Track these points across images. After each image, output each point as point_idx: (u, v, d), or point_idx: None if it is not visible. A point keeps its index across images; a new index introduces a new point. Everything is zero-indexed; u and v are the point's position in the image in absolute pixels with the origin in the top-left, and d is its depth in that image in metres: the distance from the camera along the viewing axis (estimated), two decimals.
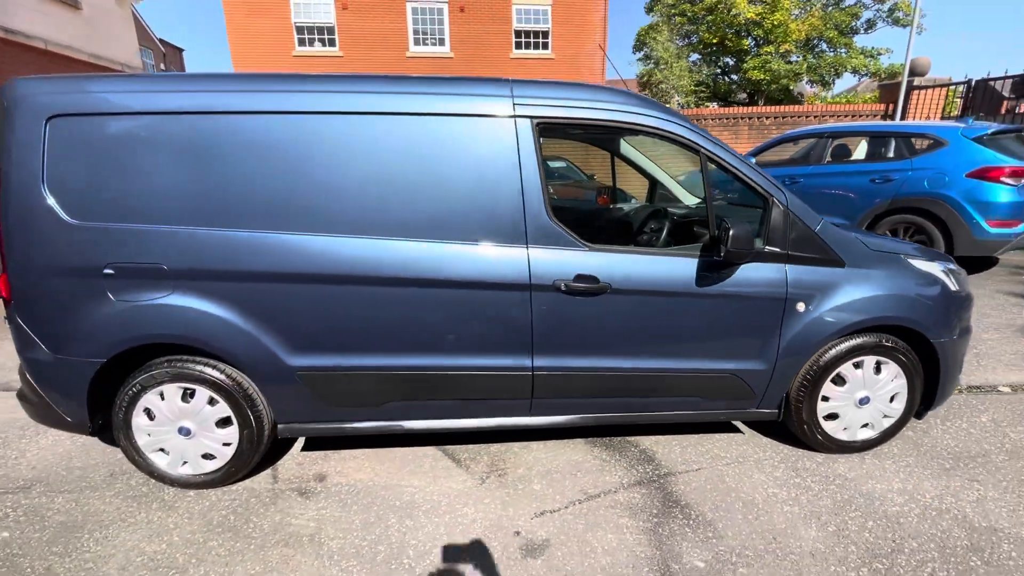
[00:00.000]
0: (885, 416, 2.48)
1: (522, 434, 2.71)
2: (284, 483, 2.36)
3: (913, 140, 5.67)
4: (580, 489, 2.30)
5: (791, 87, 28.12)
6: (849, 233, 2.44)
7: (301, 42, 15.97)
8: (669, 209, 3.16)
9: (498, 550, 1.94)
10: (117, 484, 2.34)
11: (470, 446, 2.64)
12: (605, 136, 3.44)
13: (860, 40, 29.26)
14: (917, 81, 10.56)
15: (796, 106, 14.51)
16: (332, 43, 16.16)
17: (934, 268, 2.46)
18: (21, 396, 2.28)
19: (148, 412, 2.19)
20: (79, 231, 1.99)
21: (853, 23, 29.16)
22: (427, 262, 2.09)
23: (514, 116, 2.10)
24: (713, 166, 2.25)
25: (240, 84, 2.04)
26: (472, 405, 2.32)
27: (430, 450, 2.60)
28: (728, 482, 2.34)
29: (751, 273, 2.23)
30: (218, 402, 2.19)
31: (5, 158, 1.96)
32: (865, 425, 2.49)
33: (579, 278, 2.13)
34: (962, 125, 5.49)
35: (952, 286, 2.46)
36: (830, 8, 28.98)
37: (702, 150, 2.22)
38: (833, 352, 2.34)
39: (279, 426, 2.29)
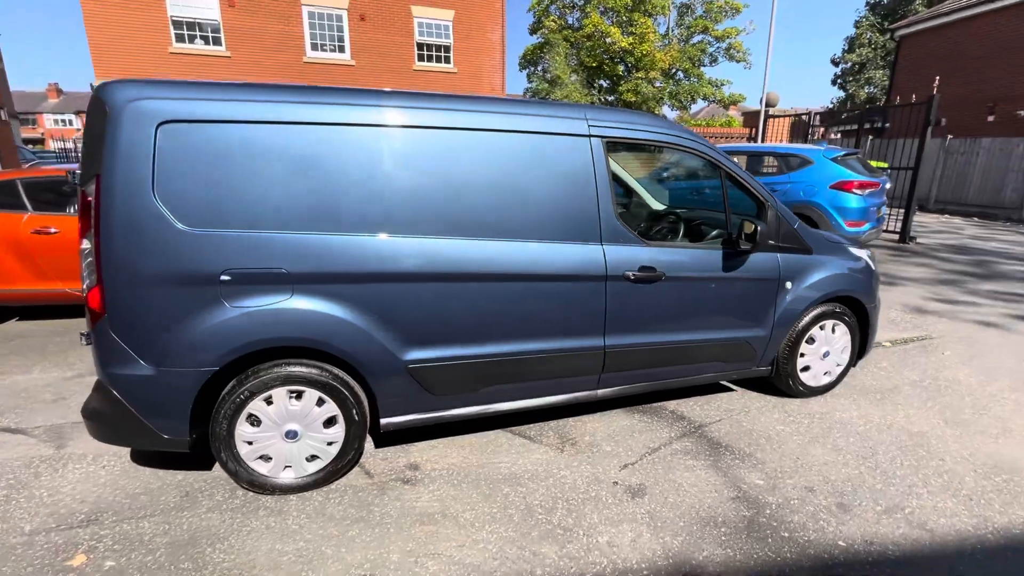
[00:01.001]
0: (838, 365, 3.33)
1: (571, 410, 3.09)
2: (381, 476, 2.47)
3: (790, 159, 7.14)
4: (643, 445, 2.75)
5: (656, 110, 31.76)
6: (811, 229, 3.24)
7: (179, 38, 14.45)
8: (683, 213, 3.75)
9: (609, 497, 2.32)
10: (203, 501, 2.26)
11: (532, 425, 2.95)
12: (647, 152, 3.97)
13: (708, 72, 33.92)
14: (772, 111, 12.97)
15: None
16: (217, 42, 14.86)
17: (863, 253, 3.36)
18: (92, 415, 2.11)
19: (252, 419, 2.18)
20: (193, 238, 1.97)
21: (702, 57, 33.94)
22: (524, 259, 2.40)
23: (589, 136, 2.51)
24: (728, 178, 2.88)
25: (352, 98, 2.18)
26: (552, 384, 2.65)
27: (498, 433, 2.87)
28: (746, 426, 2.97)
29: (757, 260, 2.89)
30: (326, 402, 2.25)
31: (107, 165, 1.87)
32: (826, 373, 3.31)
33: (642, 268, 2.60)
34: (822, 148, 7.07)
35: (872, 266, 3.38)
36: (684, 44, 33.30)
37: (721, 166, 2.84)
38: (808, 318, 3.10)
39: (382, 420, 2.41)
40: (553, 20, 31.21)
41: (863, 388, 3.48)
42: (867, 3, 31.52)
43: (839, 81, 32.58)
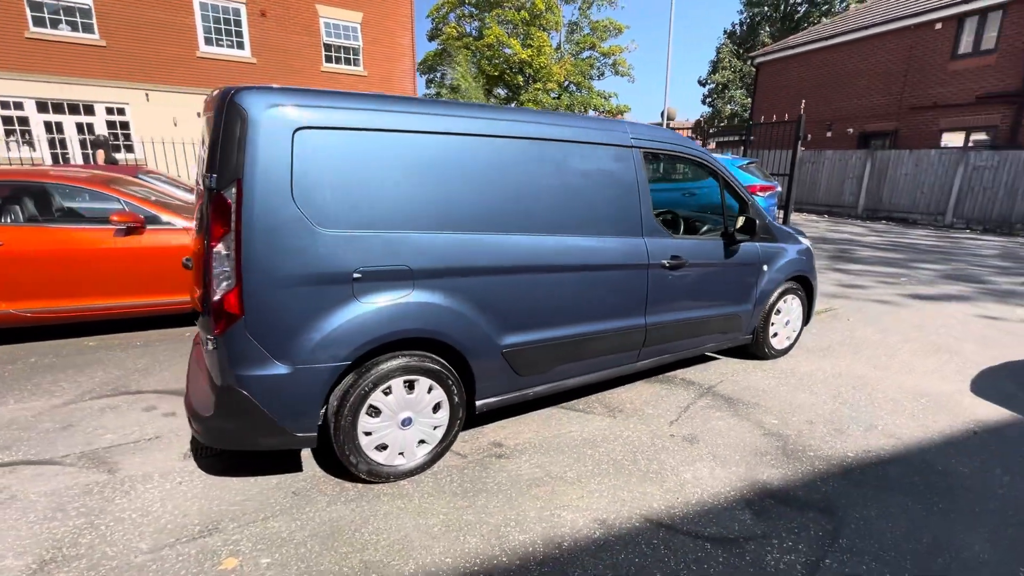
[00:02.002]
0: (794, 331, 4.16)
1: (601, 386, 3.51)
2: (473, 455, 2.68)
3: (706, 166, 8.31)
4: (675, 406, 3.27)
5: None
6: (775, 223, 4.03)
7: (39, 21, 12.43)
8: (678, 212, 4.33)
9: (672, 446, 2.78)
10: (318, 498, 2.31)
11: (577, 401, 3.33)
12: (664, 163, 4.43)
13: (596, 85, 36.65)
14: (672, 124, 14.63)
15: None
16: (88, 28, 13.03)
17: (805, 240, 4.24)
18: (213, 420, 2.08)
19: (372, 410, 2.30)
20: (329, 239, 2.07)
21: (591, 71, 36.58)
22: (589, 252, 2.79)
23: (631, 147, 2.98)
24: (724, 181, 3.52)
25: (464, 111, 2.42)
26: (606, 359, 3.06)
27: (552, 410, 3.20)
28: (742, 384, 3.63)
29: (746, 249, 3.57)
30: (435, 388, 2.44)
31: (248, 170, 1.92)
32: (787, 337, 4.12)
33: (672, 257, 3.13)
34: (729, 156, 8.34)
35: (812, 249, 4.28)
36: (575, 58, 35.61)
37: (719, 172, 3.47)
38: (776, 294, 3.87)
39: (478, 402, 2.63)
40: (453, 27, 31.64)
41: (808, 348, 4.37)
42: (725, 31, 36.36)
43: (707, 100, 37.17)
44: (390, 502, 2.29)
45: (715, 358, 4.15)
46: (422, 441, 2.47)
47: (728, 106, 34.18)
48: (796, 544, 2.05)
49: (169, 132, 13.88)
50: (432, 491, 2.38)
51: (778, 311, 3.96)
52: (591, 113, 38.05)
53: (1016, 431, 3.00)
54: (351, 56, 17.37)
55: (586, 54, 36.49)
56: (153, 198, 4.53)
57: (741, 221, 3.35)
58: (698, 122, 38.99)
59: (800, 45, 18.58)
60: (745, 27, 34.76)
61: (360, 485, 2.40)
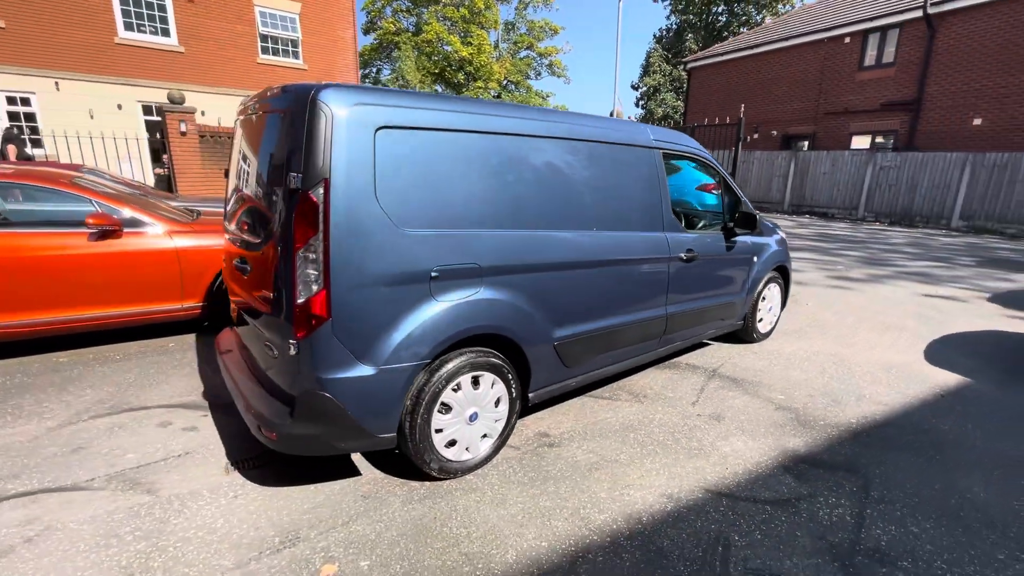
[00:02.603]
0: (776, 315, 4.58)
1: (620, 375, 3.70)
2: (526, 446, 2.77)
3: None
4: (691, 389, 3.52)
5: None
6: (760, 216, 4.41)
7: None
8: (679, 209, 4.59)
9: (703, 424, 3.02)
10: (390, 499, 2.30)
11: (601, 390, 3.49)
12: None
13: (534, 85, 37.25)
14: None
15: None
16: None
17: (781, 232, 4.67)
18: (294, 429, 2.02)
19: (443, 407, 2.32)
20: (409, 239, 2.08)
21: (528, 71, 37.10)
22: (623, 245, 2.95)
23: (652, 148, 3.17)
24: (723, 181, 3.82)
25: (531, 113, 2.51)
26: (634, 348, 3.24)
27: (582, 399, 3.34)
28: (741, 366, 3.96)
29: (742, 242, 3.90)
30: (496, 383, 2.50)
31: (335, 169, 1.89)
32: (769, 322, 4.53)
33: (688, 250, 3.37)
34: None
35: (786, 240, 4.72)
36: (513, 57, 35.98)
37: (720, 173, 3.76)
38: (762, 282, 4.25)
39: (530, 394, 2.71)
40: (390, 22, 30.90)
41: (783, 331, 4.82)
42: (654, 36, 38.21)
43: (640, 102, 38.91)
44: (464, 496, 2.33)
45: (709, 344, 4.48)
46: (485, 435, 2.52)
47: (660, 108, 35.96)
48: (839, 499, 2.33)
49: (85, 125, 12.54)
50: (500, 482, 2.44)
51: (763, 298, 4.34)
52: None
53: (971, 392, 3.53)
54: (290, 48, 16.53)
55: (523, 54, 37.01)
56: (127, 198, 4.17)
57: (750, 217, 3.67)
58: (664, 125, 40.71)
59: (728, 52, 19.97)
60: (672, 33, 36.71)
61: (428, 483, 2.41)
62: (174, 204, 4.99)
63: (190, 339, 4.27)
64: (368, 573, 1.88)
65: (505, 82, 34.99)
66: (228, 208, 2.75)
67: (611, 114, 14.59)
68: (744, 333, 4.35)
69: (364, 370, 2.04)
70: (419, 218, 2.11)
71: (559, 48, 37.05)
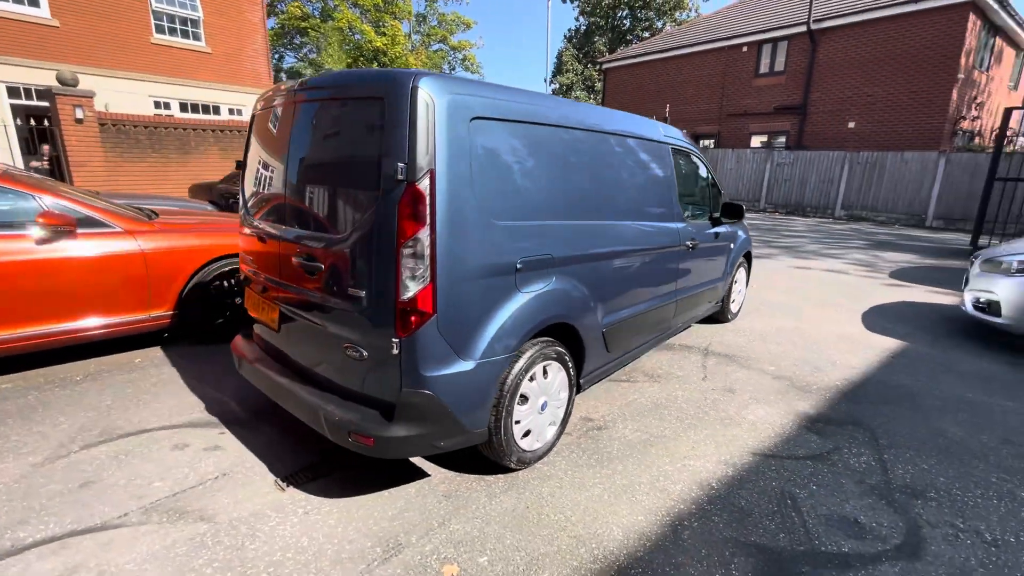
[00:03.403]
0: (743, 296, 5.07)
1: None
2: (576, 432, 2.85)
3: None
4: (694, 366, 3.82)
5: None
6: None
7: None
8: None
9: (720, 397, 3.30)
10: (473, 495, 2.28)
11: (619, 373, 3.67)
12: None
13: None
14: None
15: None
16: None
17: (745, 223, 5.17)
18: (395, 431, 1.93)
19: (522, 398, 2.34)
20: (498, 230, 2.08)
21: (442, 65, 36.70)
22: (652, 234, 3.14)
23: (663, 143, 3.38)
24: (710, 175, 4.15)
25: (589, 107, 2.63)
26: (654, 331, 3.45)
27: (604, 385, 3.49)
28: (726, 342, 4.35)
29: (724, 230, 4.27)
30: (560, 371, 2.56)
31: (439, 160, 1.84)
32: (739, 303, 5.00)
33: (691, 239, 3.64)
34: None
35: (747, 229, 5.24)
36: (427, 49, 35.38)
37: (707, 168, 4.08)
38: (736, 267, 4.68)
39: (581, 380, 2.80)
40: (296, 6, 28.88)
41: (745, 312, 5.35)
42: (565, 36, 39.46)
43: None
44: (542, 484, 2.37)
45: (691, 326, 4.84)
46: (551, 423, 2.57)
47: None
48: (860, 449, 2.70)
49: None
50: (569, 467, 2.50)
51: (736, 281, 4.79)
52: None
53: (913, 353, 4.20)
54: (190, 28, 14.88)
55: (436, 47, 36.47)
56: (75, 194, 3.59)
57: (736, 208, 4.03)
58: None
59: (641, 55, 21.26)
60: (582, 34, 38.19)
61: (502, 476, 2.41)
62: (119, 203, 4.38)
63: (155, 353, 3.80)
64: (490, 568, 1.87)
65: None
66: (258, 202, 2.51)
67: None
68: (720, 314, 4.77)
69: (464, 365, 2.00)
70: (506, 209, 2.11)
71: (472, 43, 37.00)
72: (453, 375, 1.98)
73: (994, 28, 14.59)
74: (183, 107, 15.15)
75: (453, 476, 2.41)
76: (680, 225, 3.50)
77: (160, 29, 14.24)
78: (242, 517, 2.11)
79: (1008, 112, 8.20)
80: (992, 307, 4.21)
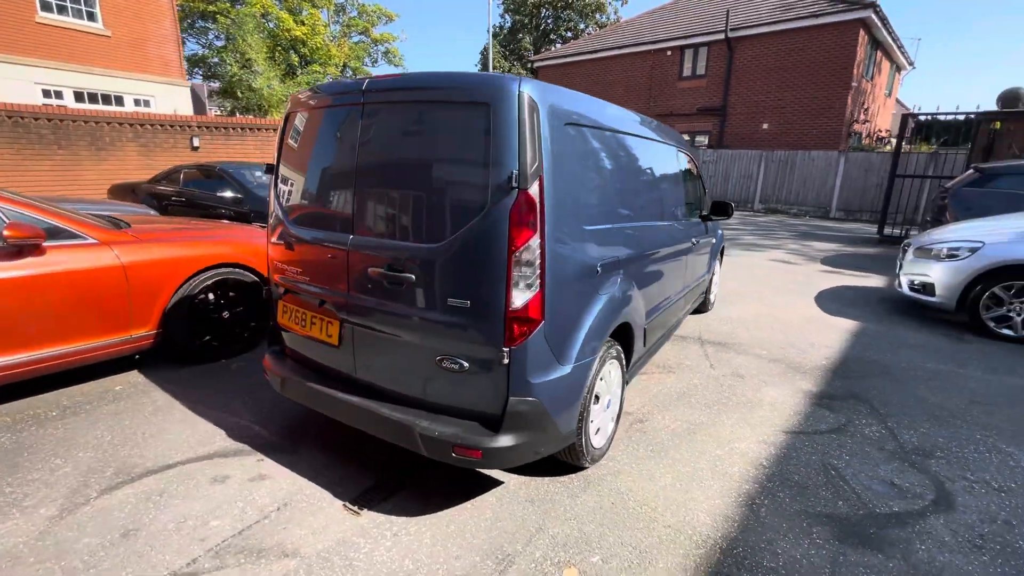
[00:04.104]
0: (717, 287, 5.46)
1: None
2: (622, 427, 2.95)
3: None
4: (699, 356, 4.07)
5: None
6: None
7: None
8: None
9: (735, 383, 3.55)
10: (557, 499, 2.30)
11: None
12: None
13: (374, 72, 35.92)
14: None
15: None
16: None
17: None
18: (503, 441, 1.90)
19: (595, 398, 2.39)
20: (586, 234, 2.12)
21: (364, 57, 35.43)
22: (675, 235, 3.32)
23: (680, 146, 3.57)
24: (700, 174, 4.42)
25: (641, 114, 2.67)
26: (672, 326, 3.64)
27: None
28: (714, 330, 4.67)
29: (711, 227, 4.58)
30: (616, 369, 2.63)
31: (545, 165, 1.84)
32: (716, 294, 5.38)
33: (696, 236, 3.88)
34: None
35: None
36: (347, 40, 33.99)
37: (699, 168, 4.35)
38: (716, 261, 5.03)
39: (627, 376, 2.89)
40: None
41: (720, 300, 5.76)
42: (488, 31, 39.45)
43: None
44: (616, 479, 2.44)
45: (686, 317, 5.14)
46: (611, 420, 2.64)
47: None
48: (868, 420, 3.05)
49: None
50: (632, 460, 2.60)
51: (714, 273, 5.15)
52: None
53: (870, 331, 4.76)
54: (83, 7, 13.14)
55: (356, 38, 35.04)
56: (34, 202, 3.09)
57: (726, 206, 4.32)
58: None
59: (572, 55, 21.85)
60: (507, 31, 38.45)
61: (575, 475, 2.45)
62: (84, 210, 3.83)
63: (135, 378, 3.40)
64: (605, 565, 1.91)
65: (344, 67, 32.81)
66: (311, 209, 2.33)
67: None
68: (702, 305, 5.10)
69: (563, 370, 2.02)
70: (591, 214, 2.15)
71: (395, 36, 35.97)
72: (555, 380, 1.99)
73: (876, 43, 16.69)
74: (78, 96, 13.39)
75: (527, 480, 2.42)
76: (691, 222, 3.72)
77: (47, 7, 12.46)
78: (329, 547, 1.98)
79: (905, 118, 9.48)
80: (927, 288, 4.88)
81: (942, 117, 9.51)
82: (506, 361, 1.87)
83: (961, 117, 9.47)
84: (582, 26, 36.42)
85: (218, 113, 31.03)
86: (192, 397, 3.17)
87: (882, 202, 9.81)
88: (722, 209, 4.38)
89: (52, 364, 2.94)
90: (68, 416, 2.90)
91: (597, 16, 36.37)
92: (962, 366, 3.94)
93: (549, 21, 37.70)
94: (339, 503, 2.24)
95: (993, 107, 10.19)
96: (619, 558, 1.95)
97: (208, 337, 3.67)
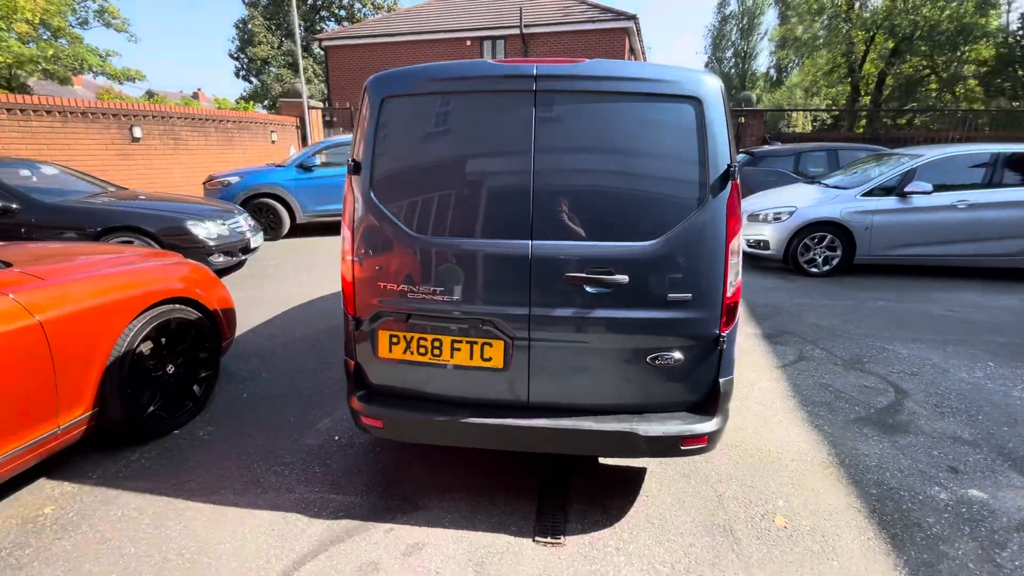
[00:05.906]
0: None
1: None
2: None
3: None
4: None
5: (32, 80, 23.91)
6: None
7: None
8: None
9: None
10: (701, 470, 2.49)
11: None
12: None
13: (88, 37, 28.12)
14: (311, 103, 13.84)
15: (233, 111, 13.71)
16: None
17: None
18: (719, 428, 1.98)
19: None
20: None
21: (68, 14, 27.59)
22: None
23: None
24: None
25: None
26: None
27: None
28: None
29: None
30: None
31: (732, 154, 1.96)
32: None
33: None
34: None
35: None
36: None
37: None
38: None
39: None
40: None
41: None
42: (246, 3, 34.06)
43: (243, 74, 34.51)
44: (735, 434, 2.76)
45: None
46: None
47: (278, 84, 33.16)
48: (809, 348, 4.01)
49: None
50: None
51: None
52: (88, 75, 28.97)
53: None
54: None
55: None
56: None
57: None
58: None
59: (366, 36, 20.66)
60: (272, 2, 33.89)
61: (656, 460, 2.68)
62: None
63: (61, 488, 2.30)
64: (788, 506, 2.22)
65: (40, 25, 24.43)
66: (462, 213, 1.91)
67: (194, 96, 13.03)
68: None
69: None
70: None
71: None
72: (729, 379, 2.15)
73: (633, 50, 20.32)
74: None
75: (660, 461, 2.54)
76: None
77: None
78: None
79: None
80: (762, 244, 6.48)
81: None
82: (724, 346, 1.96)
83: None
84: (357, 5, 34.44)
85: None
86: (191, 488, 2.29)
87: None
88: None
89: None
90: (8, 571, 1.81)
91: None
92: (807, 296, 5.42)
93: None
94: (527, 541, 2.01)
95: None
96: (792, 496, 2.27)
97: (155, 406, 2.63)
